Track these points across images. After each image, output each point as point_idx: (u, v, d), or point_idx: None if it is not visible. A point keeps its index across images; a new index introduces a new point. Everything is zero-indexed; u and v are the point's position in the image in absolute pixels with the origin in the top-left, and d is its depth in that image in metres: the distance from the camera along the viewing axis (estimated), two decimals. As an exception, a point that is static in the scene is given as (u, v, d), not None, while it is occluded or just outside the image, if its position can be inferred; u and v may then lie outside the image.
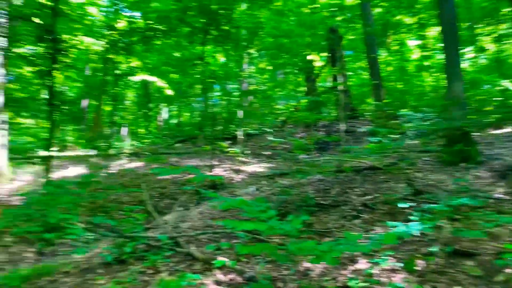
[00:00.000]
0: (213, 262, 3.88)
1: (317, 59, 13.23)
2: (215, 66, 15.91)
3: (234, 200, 3.09)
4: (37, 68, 8.04)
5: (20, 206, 5.96)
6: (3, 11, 8.19)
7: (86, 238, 5.50)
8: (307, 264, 3.65)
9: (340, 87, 10.58)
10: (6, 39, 8.76)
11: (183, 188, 7.87)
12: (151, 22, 11.12)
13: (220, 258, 3.97)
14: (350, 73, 17.88)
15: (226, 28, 10.56)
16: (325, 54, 14.27)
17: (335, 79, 13.15)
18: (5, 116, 9.87)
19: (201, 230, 5.21)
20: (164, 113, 23.25)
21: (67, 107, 14.55)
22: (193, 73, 16.74)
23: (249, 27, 12.68)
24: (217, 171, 9.15)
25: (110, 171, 9.79)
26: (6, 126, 9.97)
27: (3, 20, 8.28)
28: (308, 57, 12.58)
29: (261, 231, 2.78)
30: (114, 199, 7.51)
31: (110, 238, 5.18)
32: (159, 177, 8.81)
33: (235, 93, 17.31)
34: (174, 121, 23.65)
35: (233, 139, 12.20)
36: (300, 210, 4.79)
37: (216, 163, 9.79)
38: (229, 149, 10.71)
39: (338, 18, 13.55)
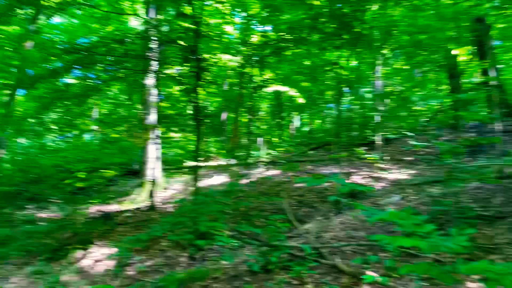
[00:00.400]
0: (362, 276, 3.65)
1: (462, 53, 11.95)
2: (347, 70, 15.54)
3: (384, 212, 2.84)
4: (183, 87, 8.69)
5: (174, 214, 6.49)
6: (154, 38, 9.10)
7: (231, 245, 5.72)
8: (472, 285, 3.20)
9: (493, 82, 9.36)
10: (157, 62, 9.75)
11: (322, 196, 7.76)
12: (282, 33, 11.32)
13: (369, 273, 3.73)
14: (501, 66, 15.79)
15: (358, 30, 10.22)
16: (471, 47, 12.84)
17: (484, 73, 11.73)
18: (158, 131, 10.98)
19: (345, 241, 5.01)
20: (296, 121, 23.52)
21: (209, 121, 15.65)
22: (324, 80, 16.61)
23: (382, 27, 12.11)
24: (355, 179, 8.83)
25: (250, 180, 10.16)
26: (160, 141, 11.08)
27: (154, 46, 9.18)
28: (452, 52, 11.44)
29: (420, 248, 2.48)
30: (255, 207, 7.73)
31: (254, 246, 5.31)
32: (297, 185, 8.84)
33: (368, 97, 16.68)
34: (306, 128, 23.78)
35: (370, 145, 11.69)
36: (457, 223, 4.26)
37: (353, 170, 9.45)
38: (366, 155, 10.26)
39: (485, 6, 12.09)
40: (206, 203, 5.57)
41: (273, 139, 19.51)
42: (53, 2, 8.90)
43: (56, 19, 17.50)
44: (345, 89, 14.27)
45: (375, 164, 9.70)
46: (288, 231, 5.99)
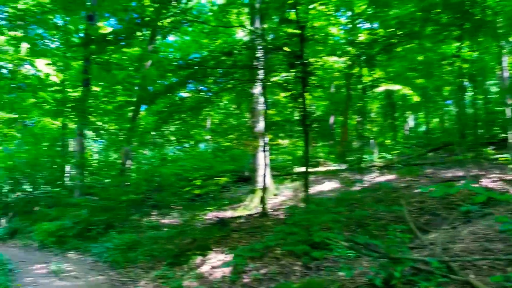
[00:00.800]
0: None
1: None
2: (467, 62, 14.16)
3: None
4: (289, 93, 8.62)
5: (287, 223, 6.39)
6: (260, 47, 9.20)
7: (347, 255, 5.45)
8: None
9: None
10: (263, 71, 9.86)
11: (446, 202, 7.06)
12: (392, 29, 10.70)
13: (514, 294, 3.20)
14: None
15: (479, 17, 9.21)
16: None
17: None
18: (267, 138, 11.08)
19: (478, 255, 4.42)
20: (410, 121, 22.13)
21: (317, 125, 15.41)
22: (440, 75, 15.33)
23: (507, 11, 10.79)
24: (484, 183, 7.88)
25: (363, 185, 9.70)
26: (268, 147, 11.17)
27: (260, 55, 9.29)
28: None
29: None
30: (371, 215, 7.31)
31: (372, 258, 4.96)
32: (416, 191, 8.20)
33: (495, 90, 14.97)
34: (422, 128, 22.24)
35: (500, 144, 10.42)
36: None
37: (481, 173, 8.46)
38: (497, 155, 9.14)
39: None
40: (319, 212, 5.37)
41: (386, 141, 18.58)
42: (167, 22, 9.52)
43: (170, 38, 18.93)
44: (466, 83, 13.00)
45: (508, 165, 8.58)
46: (410, 241, 5.51)
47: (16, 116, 18.78)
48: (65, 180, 16.26)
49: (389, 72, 15.86)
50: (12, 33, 15.08)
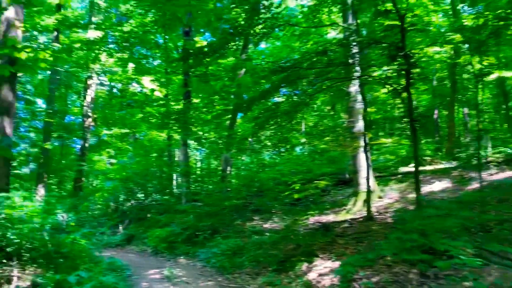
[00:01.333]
0: None
1: None
2: None
3: None
4: (391, 88, 8.10)
5: (396, 227, 5.97)
6: (355, 43, 8.81)
7: (472, 263, 4.89)
8: None
9: None
10: (359, 67, 9.42)
11: None
12: (501, 10, 9.60)
13: None
14: None
15: None
16: None
17: None
18: (366, 138, 10.57)
19: None
20: (529, 110, 19.68)
21: (421, 121, 14.39)
22: None
23: None
24: None
25: (480, 184, 8.77)
26: (369, 148, 10.64)
27: (355, 51, 8.90)
28: None
29: None
30: (494, 217, 6.53)
31: (503, 267, 4.39)
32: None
33: None
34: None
35: None
36: None
37: None
38: None
39: None
40: (438, 217, 4.89)
41: (498, 134, 16.74)
42: (258, 28, 9.57)
43: (262, 45, 19.21)
44: None
45: None
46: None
47: (127, 130, 20.52)
48: (173, 188, 17.22)
49: (501, 58, 14.28)
50: (119, 55, 16.48)
